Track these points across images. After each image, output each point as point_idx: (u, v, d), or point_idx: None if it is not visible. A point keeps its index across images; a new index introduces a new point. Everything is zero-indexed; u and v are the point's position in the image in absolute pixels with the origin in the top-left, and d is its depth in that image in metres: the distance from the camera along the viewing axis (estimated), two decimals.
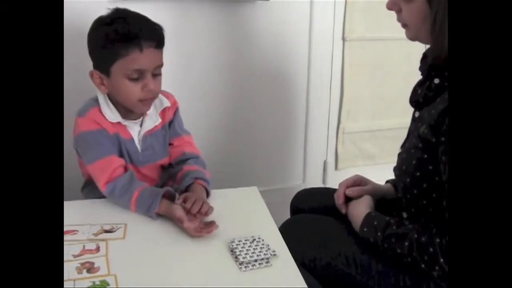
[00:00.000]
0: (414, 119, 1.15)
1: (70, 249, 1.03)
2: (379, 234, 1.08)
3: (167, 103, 1.33)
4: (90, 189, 1.34)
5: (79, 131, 1.24)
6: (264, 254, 1.04)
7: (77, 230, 1.11)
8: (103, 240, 1.08)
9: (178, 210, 1.13)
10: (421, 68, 1.14)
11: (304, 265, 1.14)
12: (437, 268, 0.98)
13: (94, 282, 0.95)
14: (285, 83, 1.98)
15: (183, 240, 1.11)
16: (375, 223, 1.11)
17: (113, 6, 1.58)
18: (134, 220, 1.17)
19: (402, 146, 1.17)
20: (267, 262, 1.03)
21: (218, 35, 1.81)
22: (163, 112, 1.34)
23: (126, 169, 1.26)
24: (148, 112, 1.29)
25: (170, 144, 1.38)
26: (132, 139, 1.30)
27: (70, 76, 1.61)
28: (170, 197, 1.19)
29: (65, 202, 0.91)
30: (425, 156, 1.03)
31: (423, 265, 1.01)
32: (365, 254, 1.12)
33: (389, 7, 1.10)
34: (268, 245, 1.07)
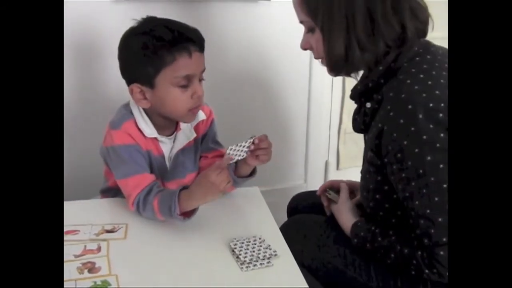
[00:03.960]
0: (364, 142, 1.16)
1: (71, 249, 1.03)
2: (368, 246, 1.09)
3: (202, 116, 1.26)
4: (112, 195, 1.29)
5: (112, 144, 1.17)
6: (265, 254, 1.04)
7: (78, 230, 1.11)
8: (104, 240, 1.08)
9: (205, 172, 1.06)
10: (351, 97, 1.15)
11: (304, 265, 1.14)
12: (424, 276, 0.99)
13: (95, 282, 0.95)
14: (286, 83, 1.98)
15: (184, 240, 1.11)
16: (362, 234, 1.11)
17: (114, 6, 1.60)
18: (135, 220, 1.17)
19: (361, 171, 1.17)
20: (268, 262, 1.03)
21: (220, 34, 1.81)
22: (197, 126, 1.27)
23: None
24: (182, 128, 1.23)
25: (201, 157, 1.31)
26: (162, 156, 1.23)
27: (70, 76, 1.62)
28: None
29: (66, 202, 0.91)
30: (379, 178, 1.05)
31: (413, 273, 1.01)
32: (365, 255, 1.12)
33: (303, 47, 1.13)
34: (269, 245, 1.07)
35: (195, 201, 1.09)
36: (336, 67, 1.07)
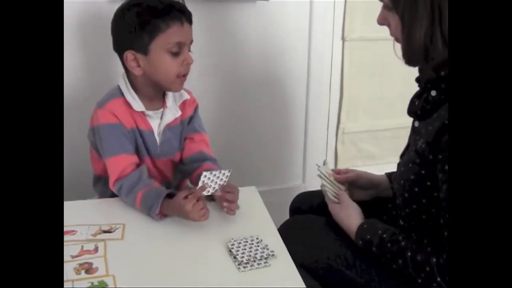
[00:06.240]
0: (413, 129, 1.13)
1: (68, 249, 1.03)
2: (374, 249, 1.08)
3: (186, 95, 1.34)
4: (103, 184, 1.33)
5: (97, 123, 1.25)
6: (263, 254, 1.04)
7: (75, 231, 1.11)
8: (101, 240, 1.08)
9: (185, 204, 1.10)
10: (418, 80, 1.12)
11: (304, 266, 1.14)
12: (434, 284, 0.97)
13: (92, 283, 0.95)
14: (284, 83, 1.98)
15: (181, 240, 1.11)
16: (368, 237, 1.09)
17: (113, 5, 1.59)
18: (132, 221, 1.17)
19: (401, 157, 1.16)
20: (265, 262, 1.03)
21: (218, 35, 1.81)
22: (182, 106, 1.34)
23: (138, 166, 1.26)
24: (168, 105, 1.30)
25: (186, 139, 1.37)
26: (152, 131, 1.30)
27: (70, 76, 1.62)
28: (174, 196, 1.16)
29: (64, 203, 0.91)
30: (423, 172, 1.02)
31: (419, 281, 1.00)
32: (366, 256, 1.11)
33: (380, 22, 1.09)
34: (267, 245, 1.07)
35: (174, 212, 1.16)
36: (413, 59, 1.03)
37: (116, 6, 1.55)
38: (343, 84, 2.08)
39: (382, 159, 2.23)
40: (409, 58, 1.03)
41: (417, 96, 1.12)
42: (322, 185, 1.28)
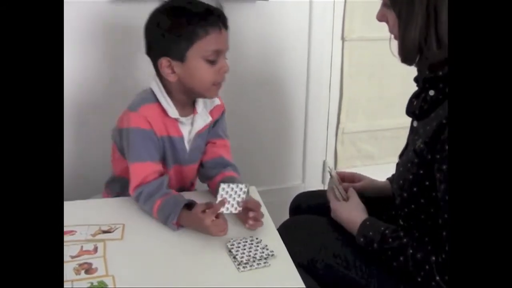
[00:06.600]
0: (412, 129, 1.14)
1: (68, 249, 1.03)
2: (375, 245, 1.08)
3: (218, 101, 1.31)
4: (121, 185, 1.30)
5: (128, 126, 1.20)
6: (262, 255, 1.04)
7: (75, 231, 1.11)
8: (101, 240, 1.08)
9: (204, 219, 1.08)
10: (416, 79, 1.12)
11: (304, 266, 1.14)
12: (433, 283, 0.97)
13: (92, 283, 0.95)
14: (284, 83, 1.98)
15: (181, 240, 1.11)
16: (371, 233, 1.09)
17: (112, 5, 1.60)
18: (132, 221, 1.17)
19: (400, 157, 1.16)
20: (265, 263, 1.03)
21: None
22: (211, 111, 1.30)
23: (162, 174, 1.23)
24: (198, 111, 1.26)
25: (208, 143, 1.34)
26: (182, 138, 1.26)
27: (70, 76, 1.62)
28: (192, 207, 1.14)
29: (64, 203, 0.91)
30: (421, 171, 1.02)
31: (419, 279, 1.00)
32: (366, 256, 1.11)
33: (379, 18, 1.09)
34: (266, 245, 1.07)
35: (190, 227, 1.13)
36: (408, 58, 1.04)
37: (116, 6, 1.55)
38: (343, 84, 2.08)
39: (381, 159, 2.23)
40: (404, 56, 1.04)
41: (415, 96, 1.12)
42: (331, 183, 1.28)
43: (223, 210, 1.10)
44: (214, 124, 1.33)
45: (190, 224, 1.12)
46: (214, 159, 1.32)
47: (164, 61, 1.17)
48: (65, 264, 0.99)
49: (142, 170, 1.19)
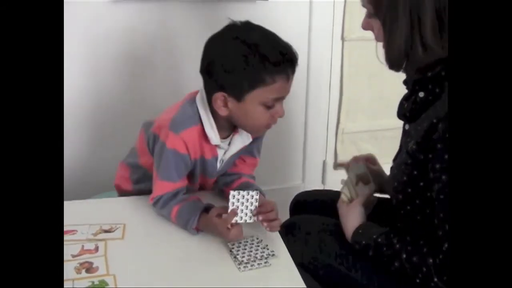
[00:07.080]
0: (404, 132, 1.14)
1: (69, 249, 1.04)
2: (370, 253, 1.08)
3: None
4: (143, 174, 1.29)
5: (165, 142, 1.14)
6: (263, 254, 1.04)
7: (76, 230, 1.11)
8: (102, 240, 1.08)
9: (218, 225, 1.08)
10: (405, 82, 1.13)
11: (304, 266, 1.14)
12: (432, 284, 0.97)
13: (93, 282, 0.95)
14: None
15: (182, 240, 1.11)
16: (363, 242, 1.09)
17: (113, 6, 1.60)
18: (133, 220, 1.17)
19: (394, 160, 1.16)
20: (265, 262, 1.03)
21: None
22: None
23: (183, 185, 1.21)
24: (239, 130, 1.20)
25: (239, 158, 1.30)
26: (216, 158, 1.21)
27: (70, 76, 1.62)
28: (209, 210, 1.13)
29: (64, 202, 0.91)
30: (415, 172, 1.02)
31: (418, 281, 1.00)
32: (366, 256, 1.11)
33: (364, 27, 1.10)
34: (267, 245, 1.07)
35: (208, 232, 1.12)
36: (395, 64, 1.04)
37: (116, 6, 1.55)
38: (343, 84, 2.08)
39: (381, 159, 2.22)
40: (391, 63, 1.05)
41: (405, 98, 1.13)
42: (346, 182, 1.27)
43: (236, 219, 1.08)
44: (252, 140, 1.25)
45: (208, 229, 1.12)
46: (235, 172, 1.31)
47: (219, 96, 1.09)
48: (66, 263, 0.99)
49: (167, 187, 1.17)
